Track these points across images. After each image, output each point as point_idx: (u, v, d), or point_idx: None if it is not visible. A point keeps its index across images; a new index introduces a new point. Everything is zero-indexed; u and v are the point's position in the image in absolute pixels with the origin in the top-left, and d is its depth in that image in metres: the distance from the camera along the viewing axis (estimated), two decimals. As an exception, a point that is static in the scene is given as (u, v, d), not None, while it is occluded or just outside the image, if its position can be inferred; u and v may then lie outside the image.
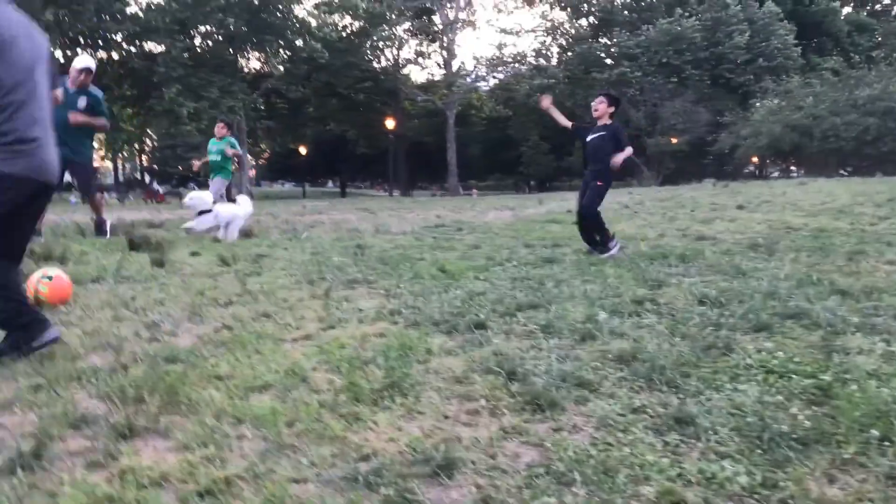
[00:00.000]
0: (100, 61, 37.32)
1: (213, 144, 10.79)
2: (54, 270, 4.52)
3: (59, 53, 34.73)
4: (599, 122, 6.52)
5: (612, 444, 2.17)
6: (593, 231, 6.45)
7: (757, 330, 3.41)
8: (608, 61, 45.96)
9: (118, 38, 34.79)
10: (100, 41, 34.94)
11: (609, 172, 6.41)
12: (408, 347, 3.21)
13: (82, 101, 7.61)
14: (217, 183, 10.65)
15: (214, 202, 10.36)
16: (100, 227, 8.47)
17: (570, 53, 48.32)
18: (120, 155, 58.36)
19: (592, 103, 6.66)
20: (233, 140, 10.96)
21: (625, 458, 2.05)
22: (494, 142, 52.89)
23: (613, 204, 12.63)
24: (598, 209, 6.46)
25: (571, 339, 3.37)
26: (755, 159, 45.70)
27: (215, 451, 2.12)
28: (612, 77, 41.56)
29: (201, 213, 7.97)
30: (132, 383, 2.66)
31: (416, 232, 9.08)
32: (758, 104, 40.15)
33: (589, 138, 6.52)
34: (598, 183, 6.42)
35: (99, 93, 7.95)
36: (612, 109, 6.54)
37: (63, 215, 13.50)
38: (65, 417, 2.38)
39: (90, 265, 5.69)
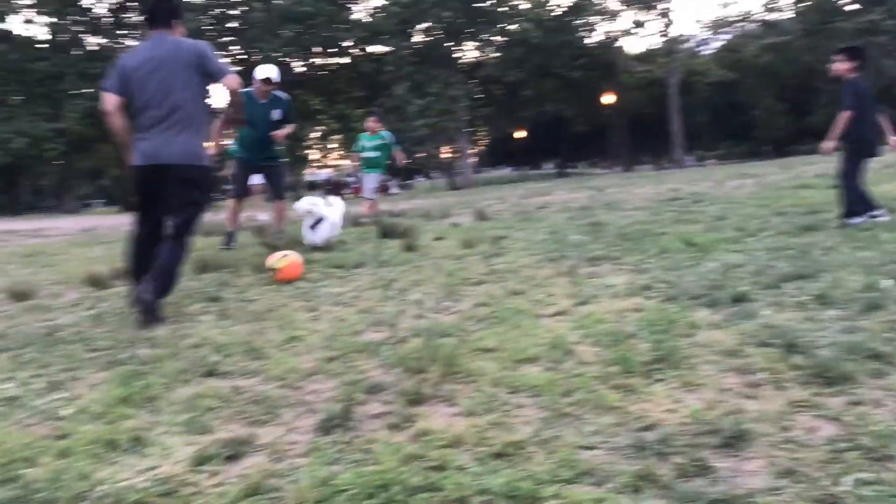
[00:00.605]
0: (334, 67, 40.35)
1: (367, 140, 10.48)
2: (292, 254, 5.23)
3: (296, 64, 38.15)
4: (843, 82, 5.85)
5: (927, 419, 1.97)
6: (839, 196, 5.83)
7: None
8: (852, 7, 41.10)
9: (348, 43, 37.34)
10: (332, 49, 37.77)
11: (851, 136, 5.67)
12: (670, 321, 3.15)
13: (276, 113, 7.22)
14: (374, 179, 10.56)
15: (370, 197, 10.44)
16: (279, 233, 7.54)
17: (806, 4, 43.88)
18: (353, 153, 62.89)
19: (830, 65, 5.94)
20: (386, 133, 10.61)
21: (947, 434, 1.86)
22: (722, 108, 49.58)
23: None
24: (848, 175, 5.75)
25: (852, 309, 3.10)
26: None
27: (500, 418, 2.24)
28: (858, 25, 37.10)
29: (314, 225, 6.63)
30: (412, 355, 2.87)
31: (651, 206, 8.82)
32: None
33: None
34: (844, 147, 5.75)
35: (286, 96, 7.50)
36: (852, 64, 5.79)
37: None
38: (360, 385, 2.63)
39: (351, 252, 6.22)
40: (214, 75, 4.17)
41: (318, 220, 6.53)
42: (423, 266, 5.31)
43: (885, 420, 1.99)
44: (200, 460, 2.03)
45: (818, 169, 11.97)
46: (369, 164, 10.50)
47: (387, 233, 7.22)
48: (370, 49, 37.95)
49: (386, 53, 36.10)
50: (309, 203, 6.52)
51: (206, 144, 4.35)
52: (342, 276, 5.11)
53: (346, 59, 39.80)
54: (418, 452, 2.00)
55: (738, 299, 3.45)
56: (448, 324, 3.48)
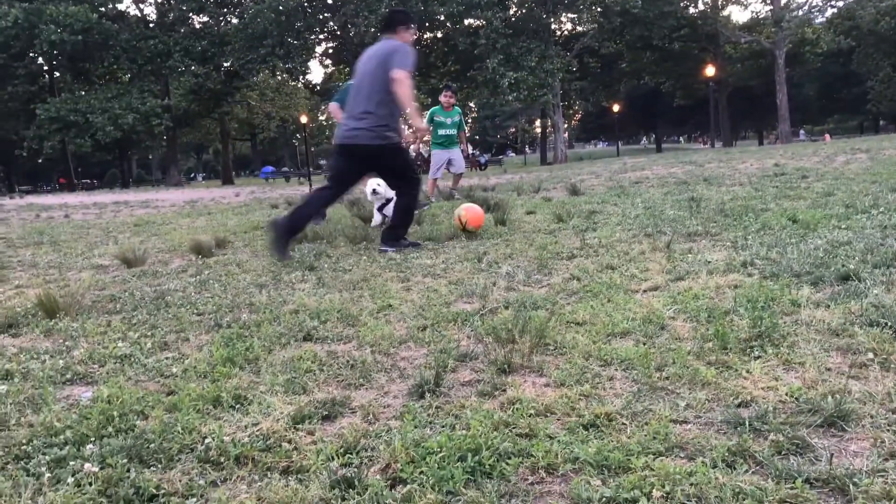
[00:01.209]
0: (429, 41, 40.45)
1: (443, 115, 9.84)
2: (468, 204, 5.97)
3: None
4: None
5: None
6: None
7: None
8: None
9: (442, 17, 37.25)
10: (426, 23, 37.83)
11: None
12: (770, 298, 3.04)
13: None
14: (460, 155, 9.95)
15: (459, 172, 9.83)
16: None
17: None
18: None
19: None
20: (459, 109, 10.03)
21: None
22: (833, 79, 46.96)
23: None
24: None
25: (974, 290, 2.90)
26: None
27: (590, 389, 2.23)
28: None
29: (381, 207, 6.49)
30: (502, 326, 2.89)
31: (753, 182, 8.47)
32: None
33: None
34: None
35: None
36: None
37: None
38: (450, 353, 2.67)
39: (442, 225, 6.28)
40: (389, 69, 5.01)
41: (387, 201, 6.25)
42: (513, 240, 5.31)
43: None
44: (299, 419, 2.11)
45: (940, 143, 11.19)
46: (449, 142, 9.89)
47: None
48: (465, 22, 37.78)
49: (480, 27, 35.85)
50: (374, 184, 6.36)
51: (392, 126, 5.22)
52: (434, 248, 5.17)
53: (440, 34, 39.82)
54: (508, 419, 2.02)
55: (845, 278, 3.29)
56: (539, 296, 3.47)
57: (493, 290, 3.71)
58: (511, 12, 36.72)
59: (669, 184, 9.42)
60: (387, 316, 3.30)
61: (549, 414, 2.07)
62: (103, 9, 39.06)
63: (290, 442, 1.96)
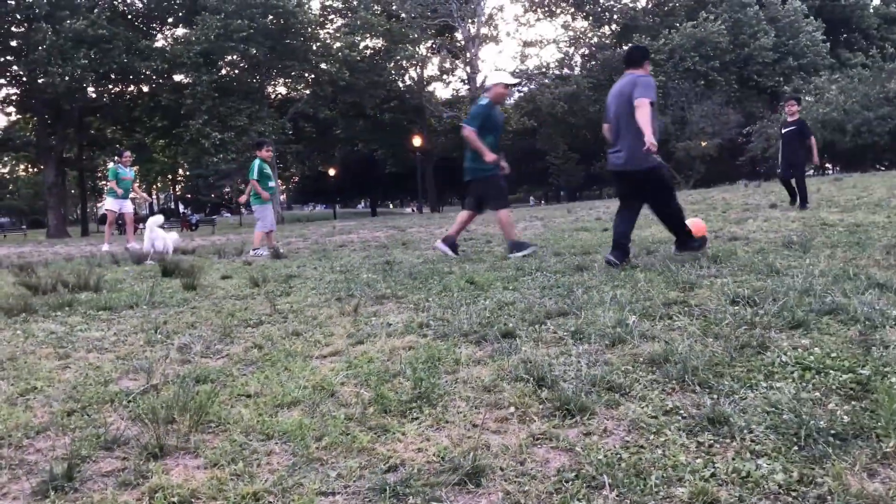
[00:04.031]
0: (133, 94, 38.03)
1: (268, 170, 10.43)
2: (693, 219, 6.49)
3: (90, 90, 35.53)
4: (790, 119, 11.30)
5: (643, 446, 2.12)
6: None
7: (792, 327, 3.33)
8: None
9: (147, 72, 35.30)
10: (130, 76, 35.57)
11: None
12: (436, 359, 3.20)
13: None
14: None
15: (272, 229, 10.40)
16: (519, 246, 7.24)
17: (593, 62, 48.23)
18: (154, 185, 59.64)
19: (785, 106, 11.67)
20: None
21: (657, 459, 2.01)
22: (522, 154, 52.75)
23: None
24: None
25: (601, 344, 3.32)
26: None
27: (244, 467, 2.13)
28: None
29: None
30: (163, 404, 2.67)
31: (444, 246, 9.06)
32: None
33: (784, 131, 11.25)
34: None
35: (478, 104, 7.43)
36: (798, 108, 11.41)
37: (98, 245, 13.76)
38: (97, 440, 2.40)
39: (123, 292, 5.78)
40: (632, 101, 5.63)
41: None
42: (200, 307, 5.05)
43: (610, 448, 2.12)
44: None
45: (597, 213, 13.01)
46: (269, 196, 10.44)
47: (169, 271, 6.81)
48: (174, 78, 36.23)
49: (187, 84, 34.63)
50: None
51: (644, 151, 5.62)
52: (107, 318, 4.72)
53: (146, 88, 37.72)
54: (144, 512, 1.84)
55: (505, 336, 3.59)
56: (213, 368, 3.30)
57: (165, 363, 3.46)
58: (222, 73, 36.02)
59: (371, 247, 9.73)
60: (28, 400, 2.89)
61: (194, 500, 1.93)
62: None
63: None
